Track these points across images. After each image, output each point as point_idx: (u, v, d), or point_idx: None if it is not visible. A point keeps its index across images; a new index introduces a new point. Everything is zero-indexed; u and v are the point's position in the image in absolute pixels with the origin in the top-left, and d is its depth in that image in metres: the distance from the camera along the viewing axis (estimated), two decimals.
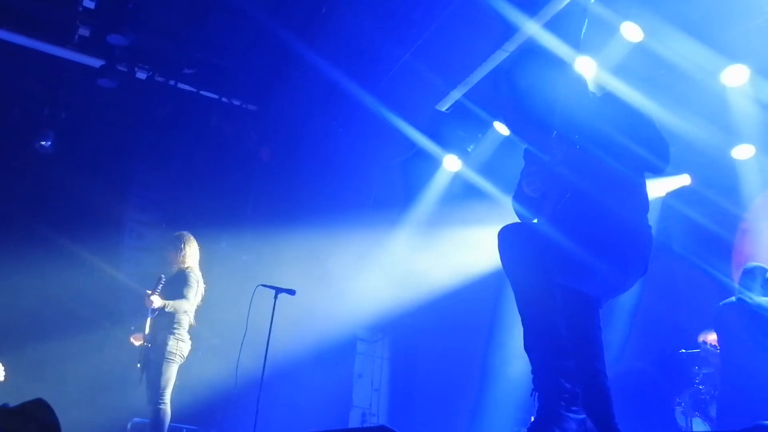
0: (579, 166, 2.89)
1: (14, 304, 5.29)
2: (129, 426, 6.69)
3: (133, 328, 5.74)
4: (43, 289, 7.01)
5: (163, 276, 5.78)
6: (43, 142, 7.65)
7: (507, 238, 2.69)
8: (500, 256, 2.71)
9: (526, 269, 2.62)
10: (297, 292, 6.01)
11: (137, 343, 5.91)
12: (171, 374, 5.68)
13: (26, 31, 7.46)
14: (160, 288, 5.70)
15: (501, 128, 7.29)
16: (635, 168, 2.92)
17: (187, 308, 5.83)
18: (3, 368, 4.89)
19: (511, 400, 7.48)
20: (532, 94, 3.06)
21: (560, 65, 3.16)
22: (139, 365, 5.78)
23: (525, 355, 2.62)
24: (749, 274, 5.75)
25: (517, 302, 2.65)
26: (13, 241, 7.08)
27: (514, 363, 7.56)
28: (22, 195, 7.54)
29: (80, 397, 6.91)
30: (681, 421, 6.69)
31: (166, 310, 5.68)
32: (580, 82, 3.19)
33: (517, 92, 3.11)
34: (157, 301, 5.62)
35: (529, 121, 3.13)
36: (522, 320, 2.63)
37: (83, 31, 7.53)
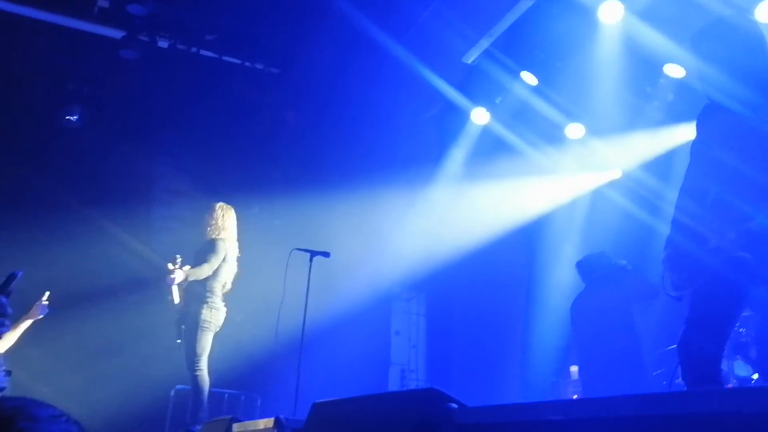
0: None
1: (50, 279, 5.35)
2: (172, 393, 6.84)
3: (170, 297, 5.78)
4: (78, 263, 7.12)
5: (178, 256, 5.80)
6: (69, 117, 7.68)
7: None
8: None
9: None
10: (332, 254, 6.00)
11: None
12: (206, 342, 5.73)
13: (45, 5, 7.43)
14: (178, 266, 5.73)
15: (529, 78, 7.13)
16: None
17: (209, 272, 5.82)
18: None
19: (547, 352, 7.47)
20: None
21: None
22: (176, 335, 5.86)
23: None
24: None
25: None
26: (46, 216, 7.18)
27: (548, 315, 7.53)
28: (52, 170, 7.61)
29: (123, 368, 7.06)
30: (723, 364, 6.61)
31: (189, 279, 5.71)
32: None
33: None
34: (178, 275, 5.65)
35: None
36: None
37: (102, 2, 7.48)
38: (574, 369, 6.91)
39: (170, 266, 5.70)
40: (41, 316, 4.99)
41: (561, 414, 1.48)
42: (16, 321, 4.84)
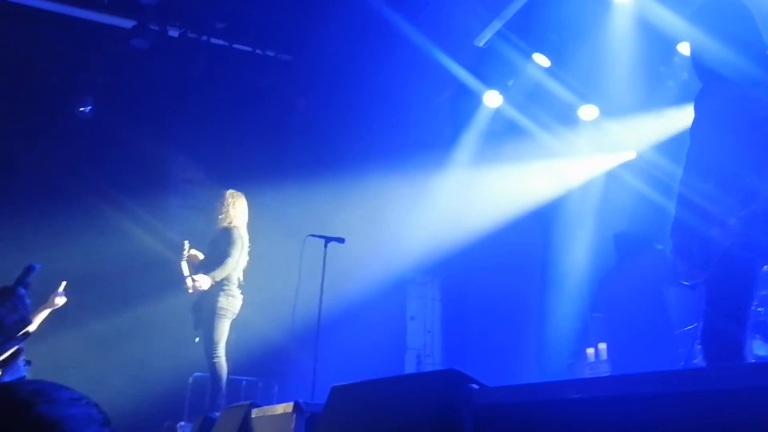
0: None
1: (68, 268, 5.39)
2: (190, 380, 6.89)
3: (185, 286, 5.81)
4: (95, 252, 7.17)
5: (186, 242, 5.82)
6: (82, 108, 7.70)
7: None
8: None
9: None
10: (346, 240, 6.01)
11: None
12: (222, 330, 5.76)
13: None
14: (185, 255, 5.76)
15: (541, 60, 7.07)
16: None
17: (234, 265, 5.86)
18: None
19: (563, 335, 7.46)
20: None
21: None
22: (193, 323, 5.89)
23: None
24: None
25: None
26: (62, 207, 7.22)
27: (564, 297, 7.52)
28: (67, 161, 7.65)
29: (141, 356, 7.13)
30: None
31: (217, 280, 5.74)
32: None
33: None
34: (204, 282, 5.67)
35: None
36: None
37: None
38: (590, 351, 6.89)
39: (184, 272, 5.74)
40: (59, 306, 5.03)
41: (583, 392, 1.47)
42: (34, 311, 4.88)
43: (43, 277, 4.35)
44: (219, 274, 5.73)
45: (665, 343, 5.11)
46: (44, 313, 4.97)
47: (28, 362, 4.27)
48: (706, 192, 2.78)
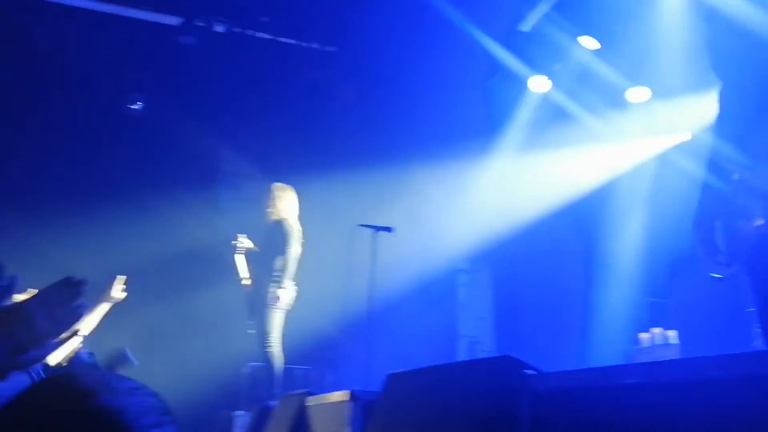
0: None
1: (125, 262, 5.53)
2: (246, 370, 7.01)
3: (240, 279, 5.91)
4: (150, 247, 7.34)
5: (240, 235, 5.93)
6: (133, 105, 7.88)
7: None
8: None
9: None
10: (394, 229, 6.01)
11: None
12: (276, 321, 5.86)
13: None
14: (240, 248, 5.88)
15: (589, 42, 6.93)
16: None
17: (293, 258, 5.95)
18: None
19: (616, 320, 7.33)
20: None
21: None
22: (247, 315, 6.00)
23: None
24: None
25: None
26: (118, 204, 7.41)
27: (616, 283, 7.39)
28: (120, 158, 7.83)
29: (196, 346, 7.27)
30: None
31: (288, 279, 5.86)
32: None
33: None
34: (284, 295, 5.80)
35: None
36: None
37: None
38: (644, 336, 6.76)
39: (239, 247, 5.86)
40: (119, 300, 5.14)
41: (643, 377, 1.43)
42: (94, 306, 5.00)
43: (102, 270, 4.47)
44: (286, 273, 5.85)
45: (740, 327, 4.97)
46: (104, 308, 5.09)
47: (91, 354, 4.40)
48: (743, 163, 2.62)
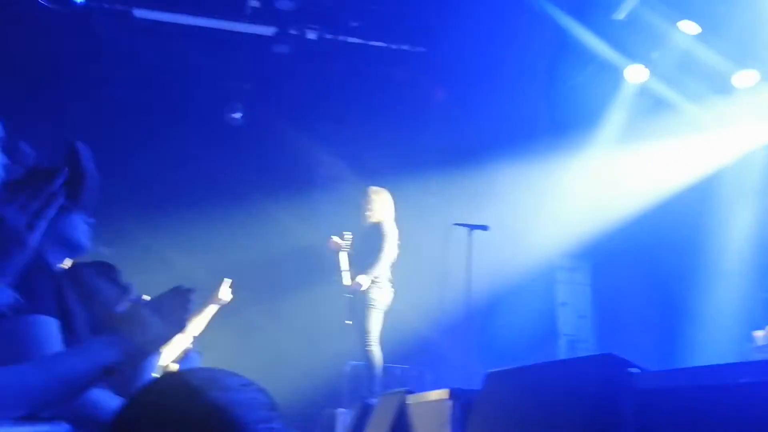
0: None
1: (229, 265, 5.75)
2: (347, 369, 7.13)
3: (340, 280, 6.03)
4: (253, 250, 7.60)
5: (346, 233, 6.05)
6: (233, 115, 8.18)
7: None
8: None
9: None
10: (490, 227, 5.97)
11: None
12: (375, 321, 5.95)
13: (200, 11, 7.92)
14: (345, 246, 6.01)
15: (689, 27, 6.64)
16: None
17: (387, 259, 6.04)
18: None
19: (725, 318, 6.99)
20: None
21: None
22: (347, 315, 6.12)
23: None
24: None
25: None
26: (220, 211, 7.71)
27: (723, 280, 7.05)
28: (222, 165, 8.16)
29: (298, 345, 7.46)
30: None
31: (374, 275, 5.96)
32: None
33: None
34: (365, 282, 5.89)
35: None
36: None
37: (253, 2, 7.85)
38: (758, 333, 6.42)
39: (337, 240, 6.02)
40: (225, 302, 5.32)
41: (759, 376, 1.37)
42: (202, 307, 5.20)
43: (209, 271, 4.66)
44: (375, 270, 5.94)
45: None
46: (212, 309, 5.29)
47: (199, 353, 4.59)
48: None
